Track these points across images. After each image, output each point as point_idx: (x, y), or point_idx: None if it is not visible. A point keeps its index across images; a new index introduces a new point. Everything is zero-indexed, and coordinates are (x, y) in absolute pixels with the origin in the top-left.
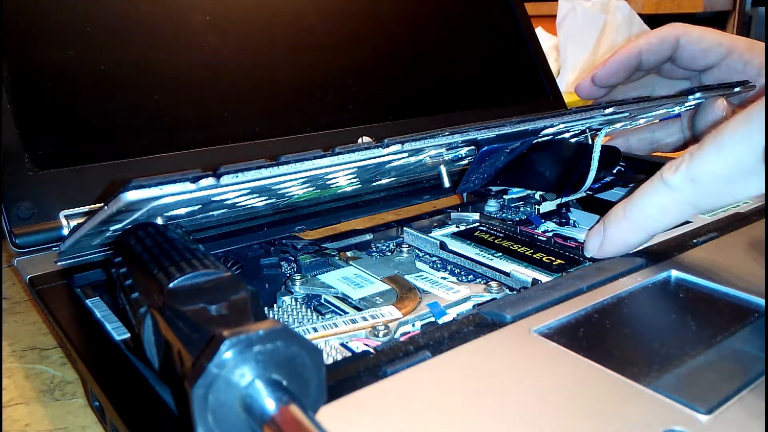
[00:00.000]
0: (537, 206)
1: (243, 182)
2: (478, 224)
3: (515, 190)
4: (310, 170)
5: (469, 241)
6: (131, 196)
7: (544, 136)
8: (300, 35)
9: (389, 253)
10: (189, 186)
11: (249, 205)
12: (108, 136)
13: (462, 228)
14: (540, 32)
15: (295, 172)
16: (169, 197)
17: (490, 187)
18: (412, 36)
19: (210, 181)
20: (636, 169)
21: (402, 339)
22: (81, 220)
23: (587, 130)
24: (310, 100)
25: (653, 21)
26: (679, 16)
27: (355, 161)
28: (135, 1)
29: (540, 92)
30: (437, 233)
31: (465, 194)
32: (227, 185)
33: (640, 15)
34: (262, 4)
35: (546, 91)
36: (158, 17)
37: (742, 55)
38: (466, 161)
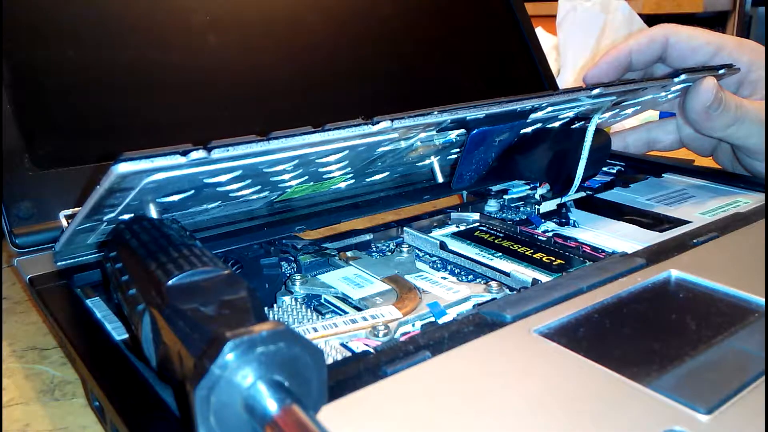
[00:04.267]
0: (537, 206)
1: (234, 158)
2: (478, 224)
3: (515, 189)
4: (301, 147)
5: (469, 241)
6: (122, 168)
7: (533, 122)
8: (301, 35)
9: (389, 253)
10: (180, 159)
11: (244, 197)
12: (108, 136)
13: (462, 228)
14: (540, 32)
15: (286, 149)
16: (160, 173)
17: (490, 187)
18: (412, 37)
19: (201, 153)
20: (634, 169)
21: (402, 339)
22: None
23: (576, 121)
24: (311, 100)
25: (653, 21)
26: (679, 16)
27: (345, 138)
28: (135, 2)
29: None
30: (437, 233)
31: (465, 194)
32: (218, 160)
33: (640, 15)
34: (263, 4)
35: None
36: (158, 17)
37: (730, 53)
38: (457, 150)
